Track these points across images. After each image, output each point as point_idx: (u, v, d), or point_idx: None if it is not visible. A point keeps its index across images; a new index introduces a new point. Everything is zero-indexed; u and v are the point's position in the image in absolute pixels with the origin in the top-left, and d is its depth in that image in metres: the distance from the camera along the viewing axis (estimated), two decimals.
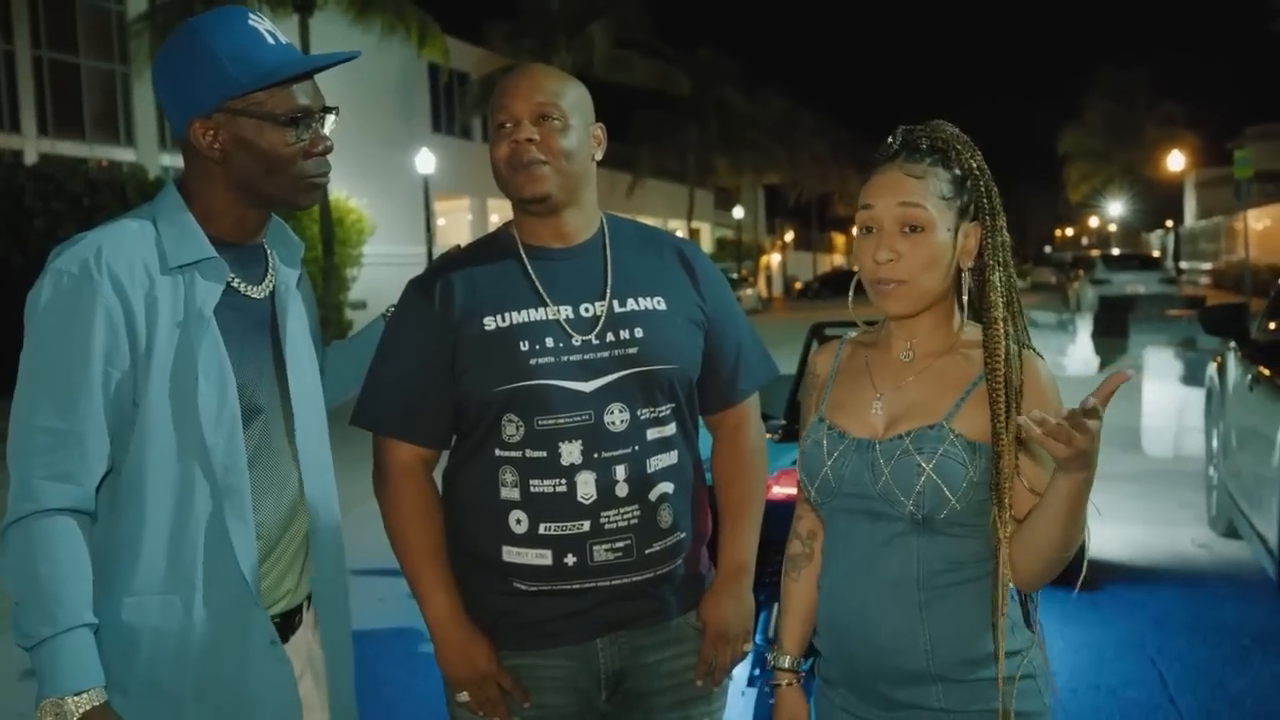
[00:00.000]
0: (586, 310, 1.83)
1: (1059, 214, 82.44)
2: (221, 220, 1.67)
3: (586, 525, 1.78)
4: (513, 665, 1.83)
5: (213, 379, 1.59)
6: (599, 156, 1.90)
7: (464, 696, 1.84)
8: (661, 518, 1.83)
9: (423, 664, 4.24)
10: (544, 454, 1.77)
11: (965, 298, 1.63)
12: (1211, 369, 6.17)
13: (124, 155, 21.80)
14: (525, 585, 1.81)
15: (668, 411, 1.86)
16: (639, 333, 1.83)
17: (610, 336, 1.81)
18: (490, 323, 1.80)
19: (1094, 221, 66.52)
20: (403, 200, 24.75)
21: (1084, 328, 14.64)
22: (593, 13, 27.92)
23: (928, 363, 1.63)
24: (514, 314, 1.81)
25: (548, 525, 1.78)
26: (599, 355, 1.80)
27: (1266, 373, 4.91)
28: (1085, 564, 1.55)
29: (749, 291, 37.24)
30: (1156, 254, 36.28)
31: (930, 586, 1.57)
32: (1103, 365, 13.69)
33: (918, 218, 1.55)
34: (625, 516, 1.79)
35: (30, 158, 18.73)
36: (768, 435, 2.31)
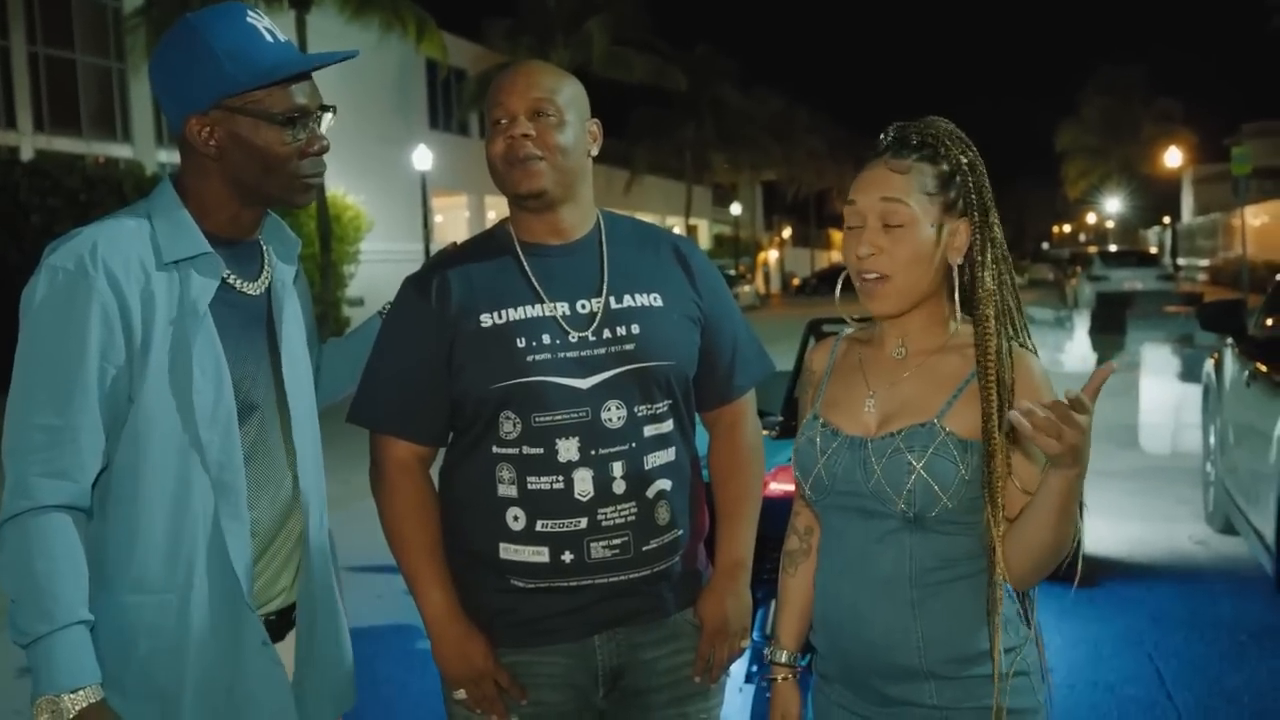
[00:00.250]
0: (583, 307, 1.82)
1: (1057, 211, 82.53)
2: (217, 216, 1.66)
3: (584, 522, 1.77)
4: (510, 662, 1.83)
5: (208, 375, 1.59)
6: (595, 152, 1.89)
7: (461, 694, 1.83)
8: (659, 515, 1.83)
9: (420, 661, 4.24)
10: (541, 451, 1.77)
11: (959, 295, 1.63)
12: (1209, 365, 6.18)
13: (121, 151, 21.76)
14: (522, 582, 1.80)
15: (665, 408, 1.85)
16: (635, 329, 1.82)
17: (607, 333, 1.81)
18: (487, 319, 1.80)
19: (1092, 218, 66.54)
20: (400, 197, 24.72)
21: (1081, 324, 14.66)
22: (589, 10, 27.89)
23: (920, 360, 1.62)
24: (510, 310, 1.80)
25: (545, 522, 1.78)
26: (596, 352, 1.80)
27: (1264, 369, 4.92)
28: (1080, 560, 1.55)
29: (746, 288, 37.22)
30: (1154, 250, 36.27)
31: (923, 584, 1.57)
32: (1100, 362, 13.70)
33: (898, 213, 1.55)
34: (623, 513, 1.79)
35: (26, 154, 18.69)
36: (765, 431, 2.32)
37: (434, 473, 1.91)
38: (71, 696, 1.47)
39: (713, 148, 39.87)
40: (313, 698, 1.75)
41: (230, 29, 1.61)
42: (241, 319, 1.68)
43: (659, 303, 1.86)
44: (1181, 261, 40.74)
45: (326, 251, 18.54)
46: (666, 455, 1.85)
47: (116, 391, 1.55)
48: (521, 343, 1.78)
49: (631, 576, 1.81)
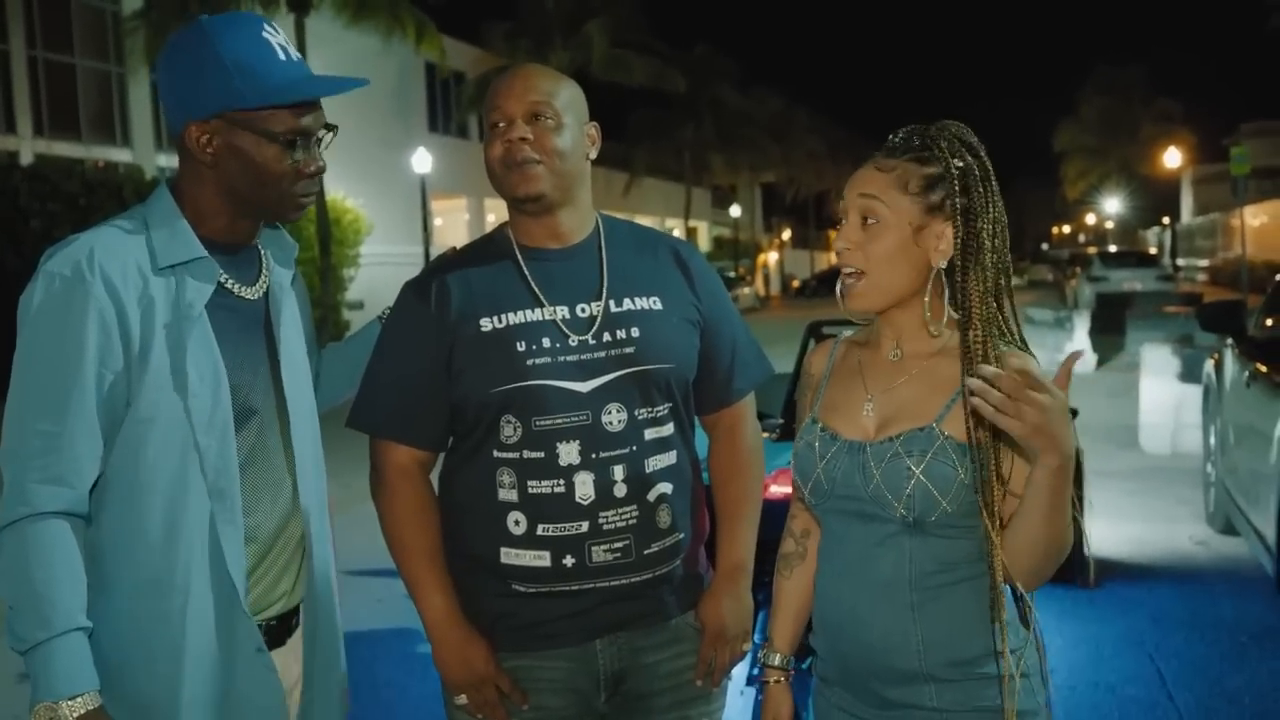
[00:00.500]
0: (583, 310, 1.82)
1: (1056, 211, 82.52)
2: (213, 223, 1.66)
3: (585, 526, 1.77)
4: (511, 667, 1.82)
5: (205, 380, 1.59)
6: (593, 156, 1.89)
7: (462, 699, 1.83)
8: (660, 518, 1.83)
9: (420, 665, 4.24)
10: (541, 454, 1.77)
11: (945, 297, 1.62)
12: (1209, 366, 6.18)
13: (120, 156, 21.77)
14: (523, 587, 1.80)
15: (665, 411, 1.85)
16: (635, 332, 1.82)
17: (607, 336, 1.81)
18: (487, 324, 1.80)
19: (1091, 219, 66.56)
20: (399, 200, 24.73)
21: (1081, 325, 14.62)
22: (588, 12, 27.90)
23: (918, 363, 1.62)
24: (510, 315, 1.80)
25: (546, 526, 1.77)
26: (596, 355, 1.80)
27: (1264, 369, 4.92)
28: (1091, 561, 1.55)
29: (746, 290, 37.22)
30: (1153, 251, 36.28)
31: (922, 587, 1.56)
32: (1100, 363, 13.69)
33: (874, 210, 1.57)
34: (624, 517, 1.79)
35: (26, 158, 18.69)
36: (765, 434, 2.32)
37: (434, 477, 1.91)
38: (70, 703, 1.46)
39: (712, 149, 39.86)
40: (321, 700, 1.76)
41: (244, 41, 1.59)
42: (240, 324, 1.68)
43: (659, 306, 1.86)
44: (1181, 262, 40.74)
45: (326, 255, 18.55)
46: (667, 458, 1.85)
47: (114, 397, 1.55)
48: (521, 346, 1.78)
49: (633, 580, 1.81)
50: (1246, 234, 20.40)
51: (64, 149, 20.29)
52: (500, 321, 1.80)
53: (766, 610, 3.06)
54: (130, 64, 19.45)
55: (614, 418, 1.79)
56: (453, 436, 1.87)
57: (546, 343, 1.79)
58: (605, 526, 1.78)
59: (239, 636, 1.61)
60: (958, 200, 1.56)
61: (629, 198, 35.27)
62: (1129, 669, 4.04)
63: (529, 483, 1.78)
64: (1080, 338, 14.10)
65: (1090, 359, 13.72)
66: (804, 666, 1.80)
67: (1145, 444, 8.33)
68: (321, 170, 1.68)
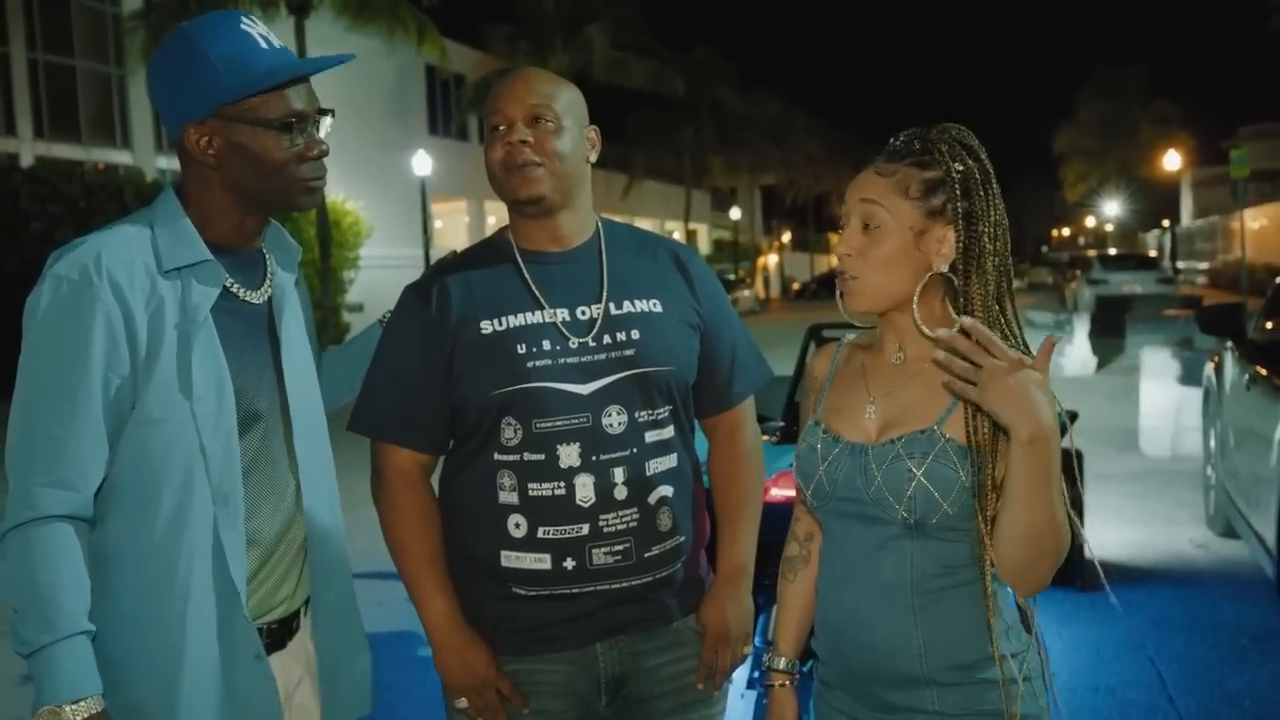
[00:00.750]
0: (583, 313, 1.83)
1: (1056, 214, 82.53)
2: (220, 225, 1.66)
3: (585, 529, 1.77)
4: (512, 671, 1.82)
5: (210, 384, 1.59)
6: (593, 159, 1.90)
7: (463, 702, 1.83)
8: (661, 521, 1.83)
9: (421, 669, 4.23)
10: (542, 457, 1.77)
11: (948, 300, 1.62)
12: (1209, 369, 6.18)
13: (120, 158, 21.79)
14: (524, 590, 1.80)
15: (665, 414, 1.86)
16: (635, 335, 1.83)
17: (607, 339, 1.81)
18: (487, 326, 1.80)
19: (1090, 221, 66.58)
20: (400, 202, 24.74)
21: (1081, 328, 14.63)
22: (588, 15, 27.92)
23: (920, 366, 1.62)
24: (510, 317, 1.80)
25: (546, 529, 1.78)
26: (596, 358, 1.80)
27: (1263, 372, 4.92)
28: (1097, 563, 1.55)
29: (746, 292, 37.23)
30: (1153, 254, 36.32)
31: (924, 590, 1.56)
32: (1100, 365, 13.69)
33: (873, 215, 1.57)
34: (624, 520, 1.79)
35: (26, 160, 18.70)
36: (765, 437, 2.32)
37: (434, 480, 1.91)
38: (73, 707, 1.46)
39: (712, 151, 39.89)
40: (337, 700, 1.77)
41: (225, 36, 1.60)
42: (244, 327, 1.68)
43: (659, 309, 1.87)
44: (1181, 264, 40.77)
45: (326, 257, 18.55)
46: (668, 461, 1.85)
47: (119, 401, 1.55)
48: (522, 349, 1.78)
49: (633, 583, 1.81)
50: (1246, 237, 20.40)
51: (64, 151, 20.30)
52: (501, 324, 1.80)
53: (767, 613, 3.08)
54: (130, 66, 19.44)
55: (614, 420, 1.79)
56: (453, 439, 1.87)
57: (547, 345, 1.79)
58: (606, 529, 1.78)
59: (238, 642, 1.61)
60: (959, 204, 1.56)
61: (628, 200, 35.28)
62: (1129, 672, 4.04)
63: (529, 485, 1.78)
64: (1080, 341, 14.10)
65: (1090, 362, 13.72)
66: (804, 670, 1.79)
67: (1145, 447, 8.33)
68: (325, 152, 1.68)
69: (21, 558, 1.49)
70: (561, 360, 1.79)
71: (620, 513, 1.79)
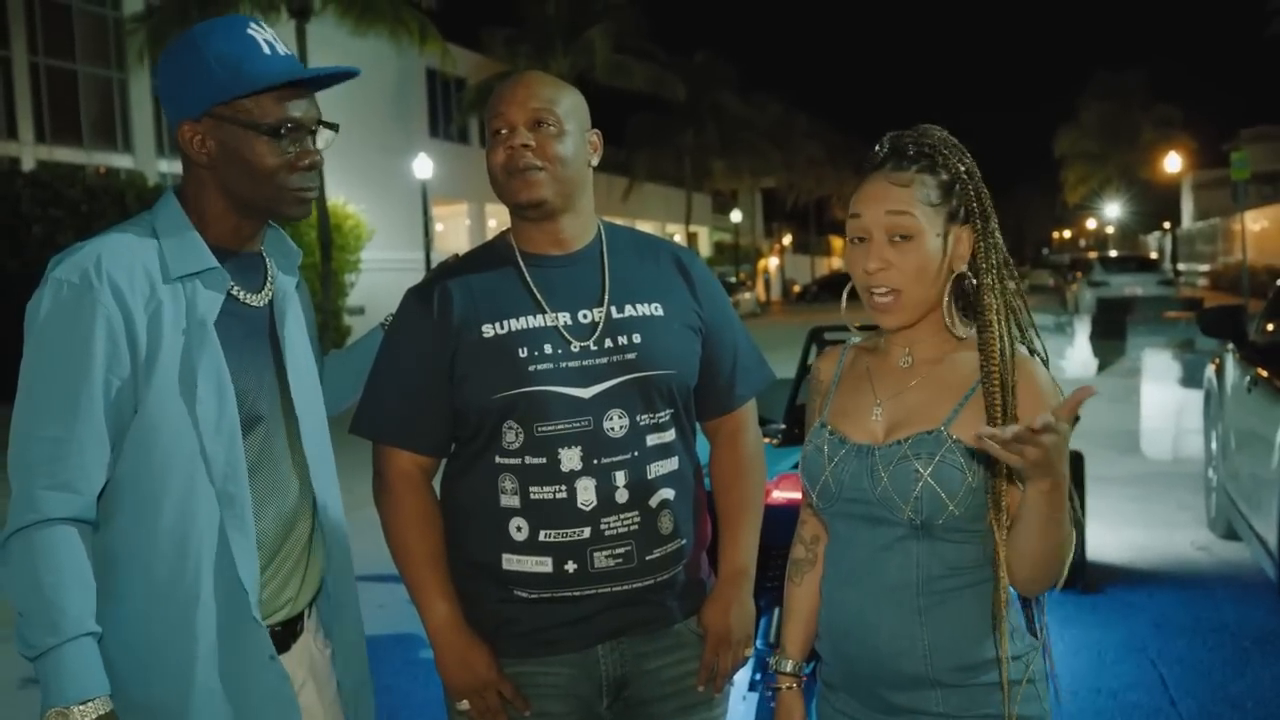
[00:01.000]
0: (584, 317, 1.83)
1: (1056, 216, 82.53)
2: (218, 227, 1.67)
3: (587, 532, 1.78)
4: (513, 673, 1.83)
5: (212, 387, 1.59)
6: (595, 163, 1.90)
7: (464, 705, 1.83)
8: (662, 524, 1.83)
9: (423, 671, 4.24)
10: (544, 460, 1.77)
11: (958, 302, 1.63)
12: (1210, 371, 6.17)
13: (121, 162, 21.80)
14: (525, 593, 1.80)
15: (667, 417, 1.86)
16: (637, 339, 1.83)
17: (609, 343, 1.81)
18: (489, 330, 1.80)
19: (1091, 224, 66.53)
20: (401, 205, 24.75)
21: (1082, 330, 14.62)
22: (588, 19, 27.94)
23: (927, 368, 1.63)
24: (512, 321, 1.81)
25: (548, 532, 1.78)
26: (597, 361, 1.80)
27: (1265, 374, 4.92)
28: (1085, 566, 1.55)
29: (747, 295, 37.22)
30: (1154, 256, 36.27)
31: (929, 591, 1.57)
32: (1101, 367, 13.69)
33: (906, 226, 1.56)
34: (626, 523, 1.79)
35: (28, 164, 18.71)
36: (767, 440, 2.32)
37: (436, 483, 1.91)
38: (80, 708, 1.47)
39: (713, 154, 39.90)
40: (352, 700, 1.78)
41: (227, 38, 1.62)
42: (245, 330, 1.68)
43: (660, 312, 1.87)
44: (1181, 267, 40.75)
45: (327, 260, 18.55)
46: (669, 464, 1.85)
47: (121, 404, 1.55)
48: (523, 353, 1.78)
49: (635, 586, 1.81)
50: (1247, 239, 20.40)
51: (66, 155, 20.32)
52: (502, 328, 1.80)
53: (768, 616, 3.08)
54: (131, 69, 19.46)
55: (616, 424, 1.79)
56: (455, 442, 1.88)
57: (548, 349, 1.79)
58: (607, 532, 1.78)
59: (250, 643, 1.62)
60: (974, 204, 1.58)
61: (629, 203, 35.29)
62: (1131, 675, 4.04)
63: (531, 488, 1.78)
64: (1081, 343, 14.10)
65: (1091, 364, 13.71)
66: (807, 671, 1.79)
67: (1146, 449, 8.33)
68: (317, 164, 1.68)
69: (25, 561, 1.49)
70: (563, 364, 1.79)
71: (621, 516, 1.79)
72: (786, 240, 61.42)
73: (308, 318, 1.86)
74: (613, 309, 1.84)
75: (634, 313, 1.85)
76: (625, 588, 1.81)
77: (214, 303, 1.62)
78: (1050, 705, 1.63)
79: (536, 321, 1.81)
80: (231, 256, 1.68)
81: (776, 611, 3.00)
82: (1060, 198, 64.22)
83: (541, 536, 1.78)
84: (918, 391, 1.62)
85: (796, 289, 54.45)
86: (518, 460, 1.78)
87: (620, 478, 1.79)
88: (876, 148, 1.62)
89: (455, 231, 30.98)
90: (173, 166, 22.34)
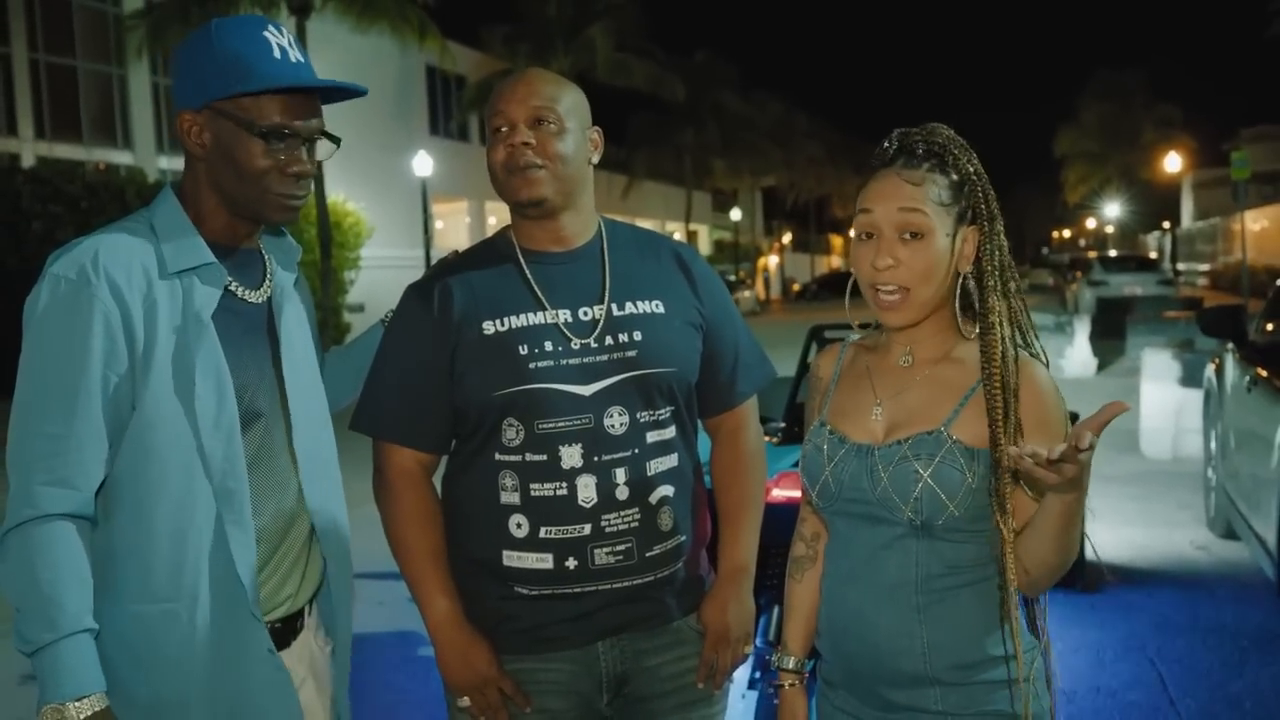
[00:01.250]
0: (585, 314, 1.83)
1: (1056, 216, 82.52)
2: (213, 223, 1.67)
3: (587, 529, 1.78)
4: (514, 670, 1.82)
5: (210, 383, 1.59)
6: (596, 160, 1.90)
7: (465, 701, 1.83)
8: (662, 521, 1.83)
9: (423, 668, 4.23)
10: (544, 458, 1.77)
11: (959, 302, 1.62)
12: (1209, 371, 6.18)
13: (121, 158, 21.81)
14: (526, 589, 1.80)
15: (667, 414, 1.86)
16: (638, 336, 1.83)
17: (609, 340, 1.81)
18: (489, 327, 1.80)
19: (1091, 223, 66.53)
20: (400, 203, 24.76)
21: (1082, 329, 14.61)
22: (589, 17, 27.93)
23: (927, 368, 1.63)
24: (512, 318, 1.80)
25: (548, 529, 1.78)
26: (598, 359, 1.80)
27: (1264, 374, 4.92)
28: (1086, 567, 1.55)
29: (747, 294, 37.25)
30: (1154, 255, 36.27)
31: (928, 590, 1.57)
32: (1101, 367, 13.68)
33: (918, 224, 1.55)
34: (626, 520, 1.79)
35: (28, 160, 18.72)
36: (767, 438, 2.32)
37: (437, 480, 1.91)
38: (76, 705, 1.46)
39: (713, 153, 39.90)
40: (342, 697, 1.78)
41: (240, 35, 1.62)
42: (244, 326, 1.68)
43: (661, 310, 1.87)
44: (1181, 266, 40.75)
45: (327, 258, 18.56)
46: (669, 461, 1.85)
47: (119, 400, 1.55)
48: (524, 350, 1.78)
49: (635, 583, 1.81)
50: (1247, 238, 20.40)
51: (65, 151, 20.33)
52: (502, 325, 1.80)
53: (768, 614, 3.08)
54: (131, 66, 19.46)
55: (616, 421, 1.79)
56: (455, 439, 1.87)
57: (549, 346, 1.79)
58: (607, 529, 1.78)
59: (249, 638, 1.62)
60: (982, 205, 1.57)
61: (629, 200, 35.29)
62: (1130, 674, 4.04)
63: (531, 485, 1.78)
64: (1081, 342, 14.09)
65: (1091, 364, 13.71)
66: (809, 668, 1.80)
67: (1146, 449, 8.33)
68: (307, 173, 1.67)
69: (23, 556, 1.49)
70: (563, 361, 1.79)
71: (622, 513, 1.79)
72: (786, 239, 61.42)
73: (308, 314, 1.85)
74: (613, 306, 1.84)
75: (635, 310, 1.85)
76: (625, 584, 1.81)
77: (211, 298, 1.61)
78: (1049, 704, 1.63)
79: (537, 319, 1.81)
80: (229, 253, 1.68)
81: (776, 609, 3.00)
82: (1060, 197, 64.21)
83: (542, 533, 1.78)
84: (918, 391, 1.61)
85: (796, 287, 54.47)
86: (518, 457, 1.78)
87: (621, 475, 1.79)
88: (885, 144, 1.61)
89: (455, 229, 30.98)
90: (172, 163, 22.35)
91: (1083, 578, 4.67)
